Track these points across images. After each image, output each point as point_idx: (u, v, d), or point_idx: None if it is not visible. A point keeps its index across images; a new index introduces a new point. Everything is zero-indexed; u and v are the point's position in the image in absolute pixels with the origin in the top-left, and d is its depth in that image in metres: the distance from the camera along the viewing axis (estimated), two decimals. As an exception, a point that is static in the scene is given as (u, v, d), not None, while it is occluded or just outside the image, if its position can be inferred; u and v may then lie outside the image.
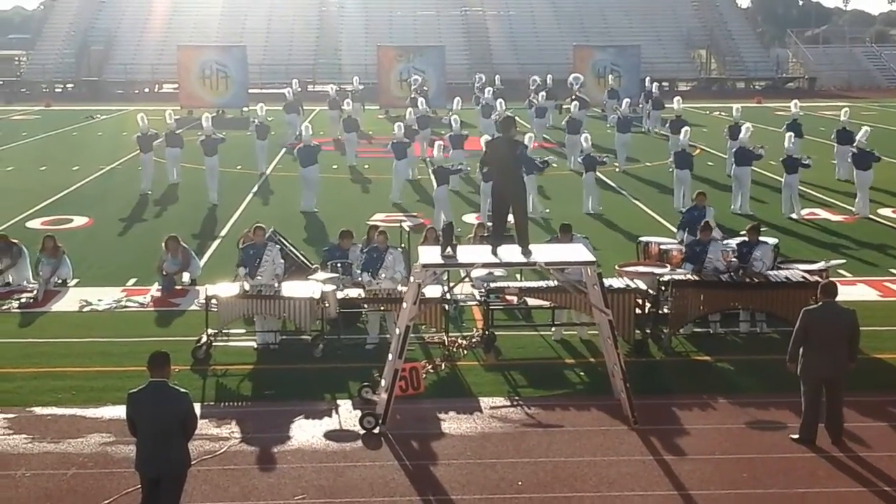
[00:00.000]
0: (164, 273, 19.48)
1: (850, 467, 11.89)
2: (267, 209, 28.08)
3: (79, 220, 26.62)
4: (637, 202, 28.94)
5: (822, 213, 27.30)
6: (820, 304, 12.56)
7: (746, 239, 17.55)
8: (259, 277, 16.32)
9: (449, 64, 62.15)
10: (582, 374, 15.17)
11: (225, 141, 31.06)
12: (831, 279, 13.23)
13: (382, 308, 16.21)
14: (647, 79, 50.51)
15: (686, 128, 30.26)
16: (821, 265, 18.27)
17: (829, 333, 12.31)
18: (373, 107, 53.21)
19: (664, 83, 51.05)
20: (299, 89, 48.39)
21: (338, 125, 40.63)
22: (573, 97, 43.85)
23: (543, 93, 45.20)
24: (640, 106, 49.04)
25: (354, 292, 16.39)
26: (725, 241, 18.59)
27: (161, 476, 9.62)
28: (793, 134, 29.91)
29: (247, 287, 15.99)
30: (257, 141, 34.66)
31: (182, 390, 9.89)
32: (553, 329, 16.62)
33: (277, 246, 17.16)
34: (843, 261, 20.47)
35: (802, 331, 12.40)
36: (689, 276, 16.66)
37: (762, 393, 14.21)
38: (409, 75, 57.10)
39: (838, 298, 12.73)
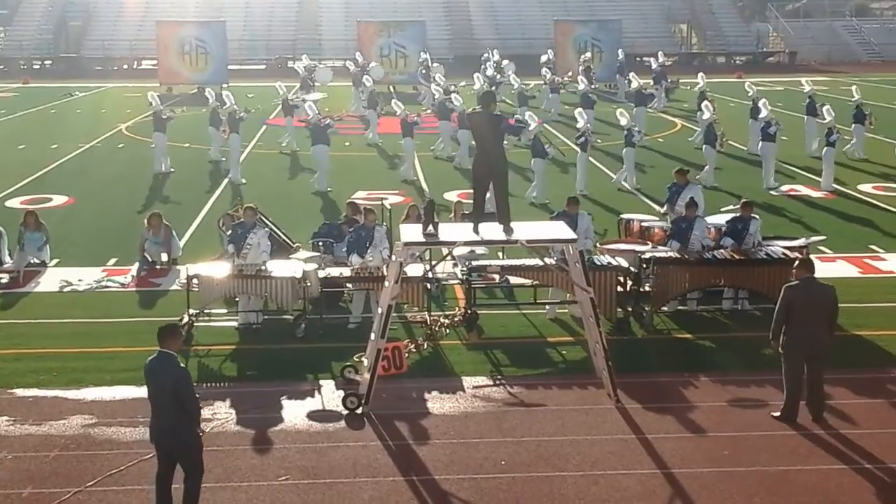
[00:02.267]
0: (145, 254, 19.39)
1: (831, 444, 11.96)
2: (247, 187, 27.95)
3: (58, 199, 26.45)
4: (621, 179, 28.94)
5: (803, 190, 27.37)
6: (800, 280, 12.58)
7: (739, 215, 17.53)
8: (244, 257, 16.25)
9: (430, 39, 61.90)
10: (564, 352, 15.20)
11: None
12: (808, 255, 13.23)
13: (366, 287, 16.18)
14: (660, 53, 50.03)
15: (707, 102, 30.49)
16: (801, 241, 18.33)
17: (811, 310, 12.34)
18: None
19: (645, 58, 50.79)
20: (315, 65, 47.85)
21: (360, 102, 40.24)
22: (580, 72, 44.05)
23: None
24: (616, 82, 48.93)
25: (337, 271, 16.36)
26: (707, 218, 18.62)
27: (171, 446, 9.89)
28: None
29: (230, 264, 15.97)
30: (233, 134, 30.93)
31: (180, 365, 9.92)
32: (547, 307, 16.62)
33: (265, 229, 17.11)
34: (824, 237, 20.55)
35: (784, 307, 12.43)
36: (670, 254, 16.69)
37: (743, 371, 14.28)
38: (391, 51, 56.91)
39: (818, 275, 12.77)
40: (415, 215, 17.76)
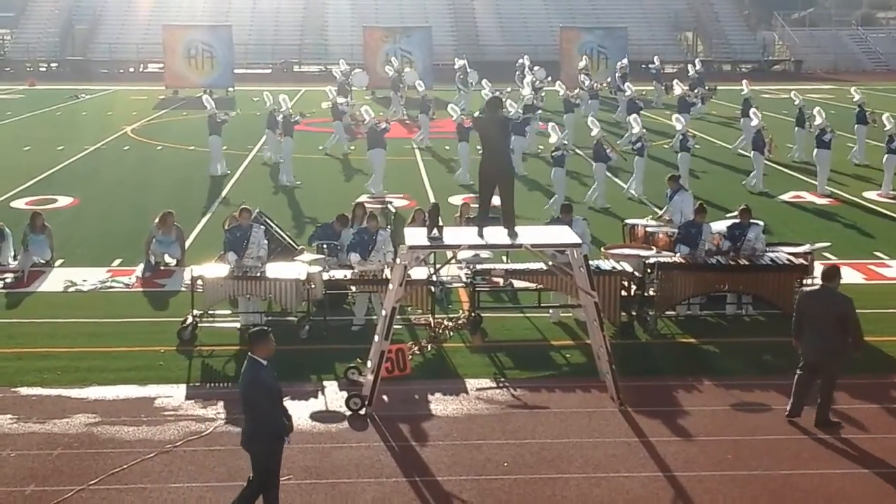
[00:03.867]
0: (150, 255, 19.42)
1: (834, 449, 11.95)
2: (254, 189, 27.98)
3: (63, 200, 26.50)
4: (623, 184, 28.92)
5: (808, 196, 27.36)
6: (817, 287, 12.60)
7: (738, 221, 17.54)
8: (247, 260, 16.28)
9: (436, 45, 62.04)
10: (568, 356, 15.20)
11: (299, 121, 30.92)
12: (834, 264, 13.22)
13: (370, 289, 16.19)
14: (697, 60, 49.98)
15: (755, 109, 30.50)
16: (806, 248, 18.32)
17: (818, 318, 12.34)
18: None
19: (651, 65, 50.82)
20: (350, 69, 47.93)
21: (398, 106, 40.10)
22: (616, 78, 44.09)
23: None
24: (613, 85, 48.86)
25: (340, 274, 16.38)
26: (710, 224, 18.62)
27: (248, 452, 9.91)
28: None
29: (233, 267, 15.98)
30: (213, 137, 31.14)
31: (256, 373, 9.74)
32: (551, 311, 16.62)
33: (262, 227, 17.10)
34: (829, 243, 20.50)
35: (798, 312, 12.55)
36: (675, 259, 16.69)
37: (747, 375, 14.27)
38: (397, 56, 57.03)
39: (820, 281, 12.77)
40: (420, 219, 17.78)
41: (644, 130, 28.17)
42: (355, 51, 63.02)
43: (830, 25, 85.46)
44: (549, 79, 46.15)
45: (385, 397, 13.26)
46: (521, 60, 50.95)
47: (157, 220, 19.76)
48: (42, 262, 19.75)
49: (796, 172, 30.29)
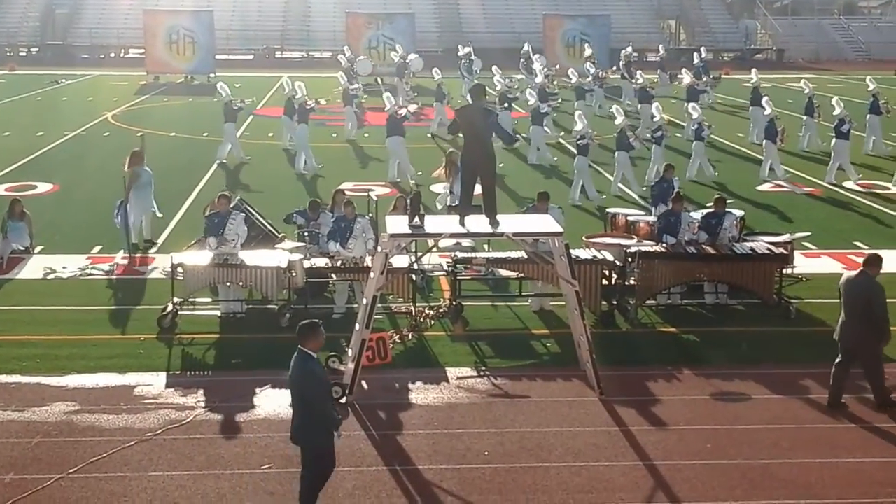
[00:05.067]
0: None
1: (812, 438, 12.01)
2: (234, 176, 27.90)
3: (43, 187, 26.37)
4: (605, 173, 28.96)
5: (788, 186, 27.44)
6: (855, 273, 12.77)
7: (713, 210, 17.59)
8: (223, 247, 16.21)
9: (419, 32, 61.88)
10: (548, 345, 15.22)
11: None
12: (876, 253, 13.26)
13: (351, 278, 16.16)
14: (703, 48, 49.99)
15: (767, 98, 30.58)
16: (786, 237, 18.38)
17: (851, 303, 12.55)
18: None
19: (633, 53, 50.81)
20: (355, 56, 47.74)
21: (404, 94, 40.16)
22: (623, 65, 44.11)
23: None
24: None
25: (322, 262, 16.34)
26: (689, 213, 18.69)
27: (298, 446, 9.80)
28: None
29: (212, 254, 15.94)
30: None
31: (308, 366, 9.54)
32: (531, 300, 16.64)
33: (242, 214, 17.04)
34: (809, 233, 20.57)
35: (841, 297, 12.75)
36: (656, 248, 16.72)
37: (727, 365, 14.32)
38: (379, 43, 56.90)
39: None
40: (402, 206, 17.74)
41: (664, 118, 28.16)
42: (338, 37, 62.84)
43: (812, 14, 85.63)
44: (558, 67, 46.00)
45: (365, 386, 13.26)
46: (525, 48, 50.58)
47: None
48: (21, 248, 19.64)
49: (809, 161, 30.37)
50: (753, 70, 39.22)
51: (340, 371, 13.46)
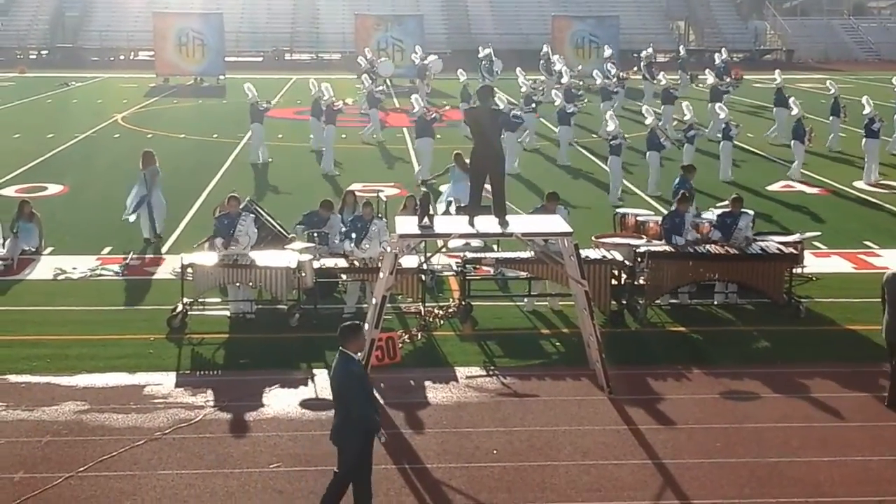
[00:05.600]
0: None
1: (821, 437, 11.99)
2: (244, 177, 27.94)
3: (53, 188, 26.43)
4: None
5: (798, 186, 27.39)
6: None
7: (729, 210, 17.55)
8: (233, 247, 16.25)
9: (427, 33, 61.89)
10: (557, 344, 15.22)
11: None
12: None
13: (363, 278, 16.18)
14: (724, 49, 50.02)
15: (793, 98, 30.54)
16: (796, 237, 18.35)
17: (891, 302, 12.53)
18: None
19: (654, 54, 50.76)
20: (375, 58, 47.82)
21: (425, 95, 40.28)
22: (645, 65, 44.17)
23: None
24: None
25: (331, 262, 16.36)
26: (701, 213, 18.68)
27: (336, 446, 9.80)
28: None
29: (220, 251, 15.98)
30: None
31: (349, 367, 9.61)
32: (525, 300, 16.66)
33: (252, 215, 17.08)
34: (819, 233, 20.55)
35: (884, 294, 12.69)
36: (666, 248, 16.70)
37: (736, 364, 14.30)
38: (388, 44, 56.92)
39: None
40: (412, 206, 17.75)
41: (695, 118, 28.13)
42: (347, 38, 62.93)
43: (822, 15, 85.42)
44: (581, 68, 45.97)
45: (377, 385, 13.25)
46: (544, 49, 50.46)
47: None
48: (31, 250, 19.69)
49: (785, 162, 30.27)
50: (777, 71, 39.12)
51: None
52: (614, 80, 41.36)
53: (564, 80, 37.60)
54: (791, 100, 30.46)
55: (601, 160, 29.28)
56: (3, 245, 19.58)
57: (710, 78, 38.79)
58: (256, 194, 23.48)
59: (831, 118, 33.12)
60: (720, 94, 36.62)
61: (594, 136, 34.14)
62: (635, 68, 48.27)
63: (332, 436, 9.82)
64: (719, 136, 29.07)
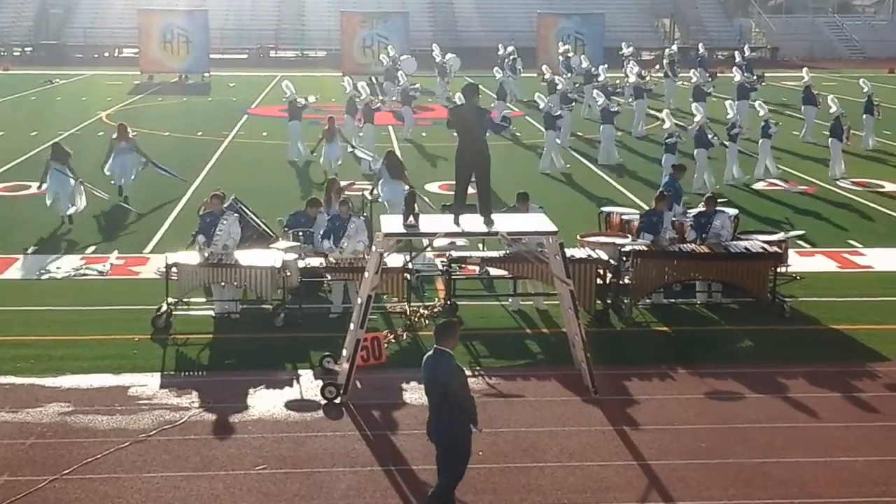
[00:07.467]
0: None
1: (806, 438, 12.01)
2: (229, 176, 27.85)
3: (37, 187, 26.24)
4: (600, 172, 29.00)
5: (782, 185, 27.46)
6: None
7: (704, 209, 17.59)
8: (215, 245, 16.19)
9: (413, 31, 61.87)
10: (543, 344, 15.22)
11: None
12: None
13: (345, 277, 16.15)
14: (746, 46, 50.08)
15: (832, 97, 30.58)
16: (780, 236, 18.39)
17: None
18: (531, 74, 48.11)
19: (677, 52, 50.55)
20: (398, 56, 47.74)
21: (444, 94, 40.18)
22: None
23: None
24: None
25: (316, 261, 16.32)
26: (682, 213, 18.68)
27: (440, 444, 9.80)
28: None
29: (205, 255, 15.92)
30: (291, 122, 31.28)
31: (452, 363, 9.57)
32: (510, 300, 16.66)
33: (235, 214, 17.01)
34: (803, 232, 20.62)
35: None
36: (650, 247, 16.72)
37: (721, 364, 14.31)
38: (373, 42, 56.81)
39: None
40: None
41: (738, 117, 28.15)
42: (332, 36, 62.83)
43: (807, 13, 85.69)
44: (607, 66, 45.85)
45: (360, 385, 13.24)
46: (563, 47, 50.30)
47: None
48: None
49: (868, 160, 30.42)
50: (805, 69, 39.08)
51: (335, 371, 13.44)
52: (647, 78, 41.06)
53: (601, 78, 37.55)
54: (830, 98, 30.44)
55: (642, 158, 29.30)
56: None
57: (737, 75, 38.64)
58: (241, 193, 23.36)
59: (865, 117, 33.24)
60: (746, 92, 36.47)
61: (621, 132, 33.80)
62: (657, 66, 48.12)
63: (434, 434, 9.82)
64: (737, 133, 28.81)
